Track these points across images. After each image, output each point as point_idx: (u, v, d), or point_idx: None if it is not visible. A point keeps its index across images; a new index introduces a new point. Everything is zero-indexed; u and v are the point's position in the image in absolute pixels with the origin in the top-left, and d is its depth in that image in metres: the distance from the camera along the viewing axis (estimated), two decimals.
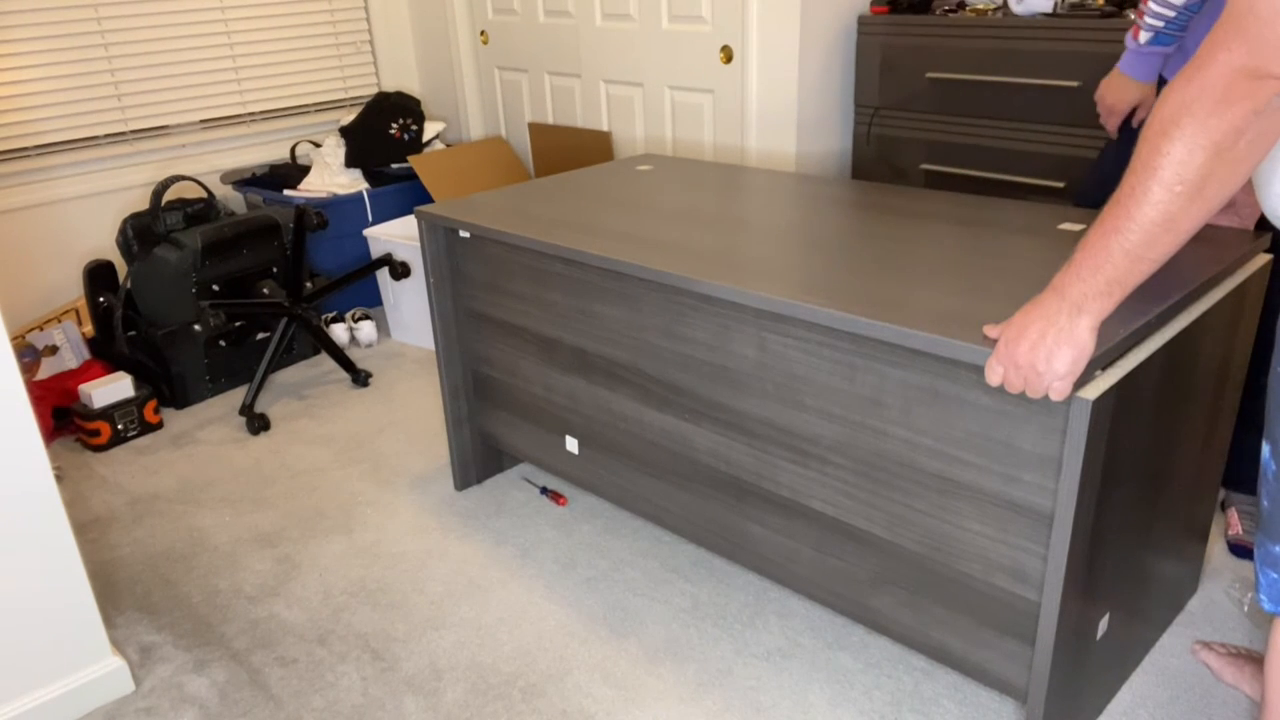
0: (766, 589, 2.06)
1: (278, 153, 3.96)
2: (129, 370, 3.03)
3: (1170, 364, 1.45)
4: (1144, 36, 1.94)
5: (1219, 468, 1.85)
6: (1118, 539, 1.49)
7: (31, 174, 3.36)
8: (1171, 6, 1.88)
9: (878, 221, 1.93)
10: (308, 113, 4.00)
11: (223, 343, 3.13)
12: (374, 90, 4.14)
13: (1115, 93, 2.05)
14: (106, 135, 3.50)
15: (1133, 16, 1.96)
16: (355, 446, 2.76)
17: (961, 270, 1.62)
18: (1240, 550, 2.07)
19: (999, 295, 1.51)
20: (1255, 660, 1.75)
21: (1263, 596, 1.37)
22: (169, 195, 3.50)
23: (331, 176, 3.64)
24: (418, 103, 3.80)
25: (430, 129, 3.88)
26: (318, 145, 3.79)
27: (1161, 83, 2.03)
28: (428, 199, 3.71)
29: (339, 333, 3.46)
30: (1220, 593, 1.97)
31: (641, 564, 2.16)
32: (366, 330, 3.46)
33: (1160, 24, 1.91)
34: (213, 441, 2.85)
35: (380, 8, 4.05)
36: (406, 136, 3.74)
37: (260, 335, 3.23)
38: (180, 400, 3.07)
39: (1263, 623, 1.89)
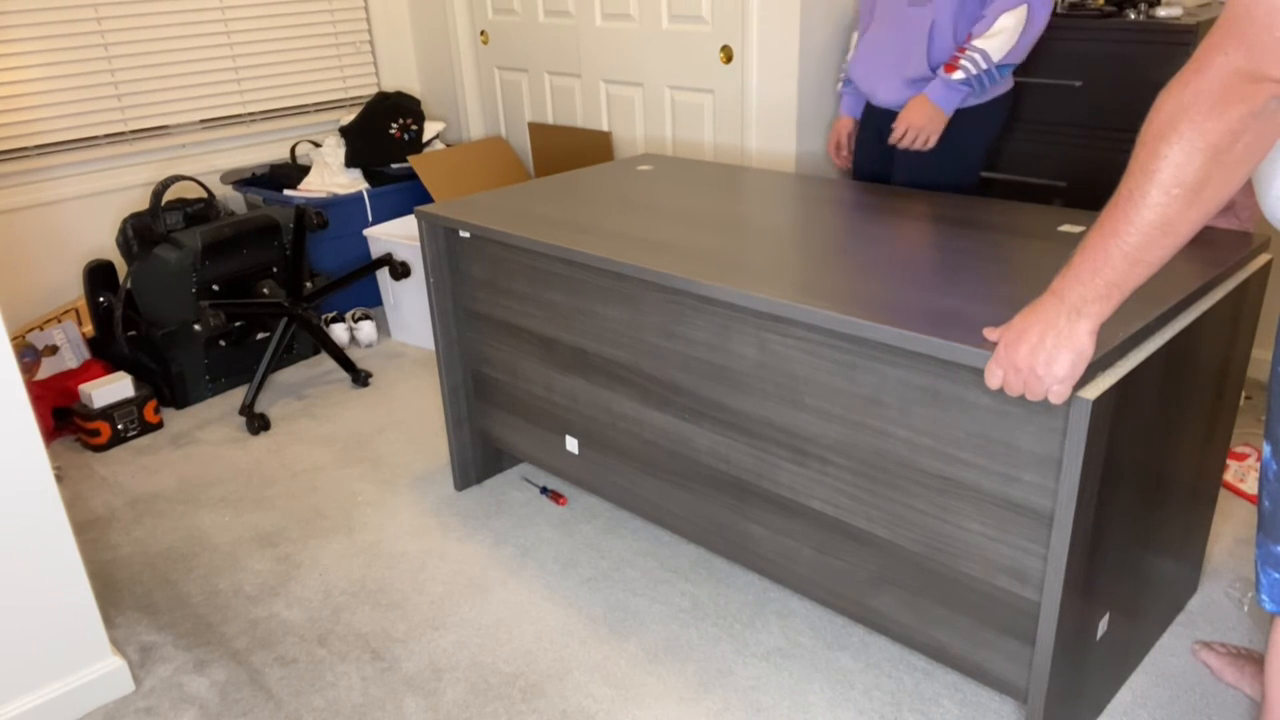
0: (766, 589, 2.06)
1: (278, 153, 3.96)
2: (129, 370, 3.03)
3: (1170, 364, 1.45)
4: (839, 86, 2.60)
5: (1219, 468, 1.85)
6: (1118, 539, 1.50)
7: (31, 174, 3.36)
8: (846, 61, 2.51)
9: (877, 222, 1.93)
10: (308, 113, 4.00)
11: (223, 343, 3.13)
12: (374, 90, 4.14)
13: (830, 132, 2.67)
14: (106, 135, 3.50)
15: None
16: (355, 446, 2.76)
17: (961, 272, 1.62)
18: None
19: (998, 297, 1.51)
20: (1255, 660, 1.75)
21: (1263, 596, 1.37)
22: (169, 195, 3.50)
23: (331, 176, 3.64)
24: (418, 103, 3.81)
25: (430, 129, 3.88)
26: (318, 145, 3.79)
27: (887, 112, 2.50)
28: (428, 199, 3.71)
29: (339, 333, 3.46)
30: (1220, 593, 1.98)
31: (641, 564, 2.16)
32: (366, 330, 3.46)
33: (842, 73, 2.51)
34: (213, 441, 2.85)
35: (380, 8, 4.05)
36: (406, 136, 3.74)
37: (260, 335, 3.23)
38: (180, 400, 3.07)
39: (1263, 623, 1.89)
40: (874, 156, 2.53)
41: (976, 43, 2.20)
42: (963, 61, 2.21)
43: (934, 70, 2.28)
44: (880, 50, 2.36)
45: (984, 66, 2.20)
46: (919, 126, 2.28)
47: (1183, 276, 1.53)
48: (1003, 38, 2.18)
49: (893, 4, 2.32)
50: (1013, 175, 2.70)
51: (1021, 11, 2.16)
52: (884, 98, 2.38)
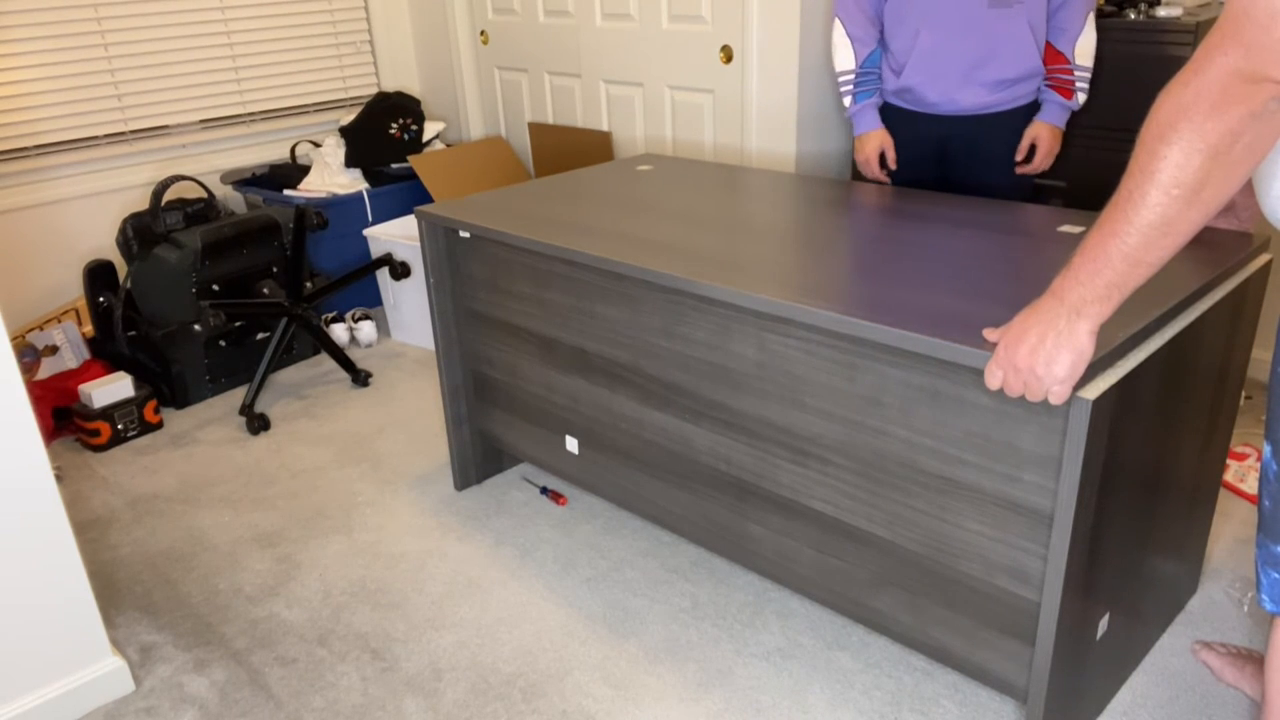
0: (766, 589, 2.06)
1: (278, 153, 3.96)
2: (129, 370, 3.03)
3: (1170, 364, 1.46)
4: (847, 101, 2.43)
5: (1219, 468, 1.85)
6: (1118, 539, 1.50)
7: (31, 174, 3.36)
8: (848, 73, 2.39)
9: (877, 222, 1.93)
10: (308, 113, 4.00)
11: (223, 343, 3.13)
12: (374, 90, 4.14)
13: (863, 150, 2.45)
14: (106, 135, 3.50)
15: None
16: (355, 446, 2.76)
17: (961, 272, 1.62)
18: None
19: (998, 297, 1.51)
20: (1255, 660, 1.75)
21: (1264, 596, 1.37)
22: (169, 195, 3.50)
23: (331, 176, 3.64)
24: (418, 103, 3.81)
25: (430, 129, 3.88)
26: (318, 145, 3.79)
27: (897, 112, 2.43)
28: (428, 199, 3.71)
29: (339, 333, 3.46)
30: (1220, 593, 1.98)
31: (641, 564, 2.16)
32: (366, 330, 3.46)
33: (851, 87, 2.40)
34: (213, 441, 2.85)
35: (380, 8, 4.05)
36: (406, 136, 3.74)
37: (260, 335, 3.23)
38: (180, 400, 3.07)
39: (1263, 623, 1.89)
40: (930, 162, 2.45)
41: (1079, 61, 2.26)
42: (1078, 84, 2.28)
43: (1023, 71, 2.26)
44: (951, 55, 2.25)
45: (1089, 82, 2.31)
46: (1056, 152, 2.36)
47: (1183, 276, 1.53)
48: (1091, 54, 2.27)
49: (960, 6, 2.19)
50: None
51: (1093, 18, 2.25)
52: (966, 103, 2.29)
